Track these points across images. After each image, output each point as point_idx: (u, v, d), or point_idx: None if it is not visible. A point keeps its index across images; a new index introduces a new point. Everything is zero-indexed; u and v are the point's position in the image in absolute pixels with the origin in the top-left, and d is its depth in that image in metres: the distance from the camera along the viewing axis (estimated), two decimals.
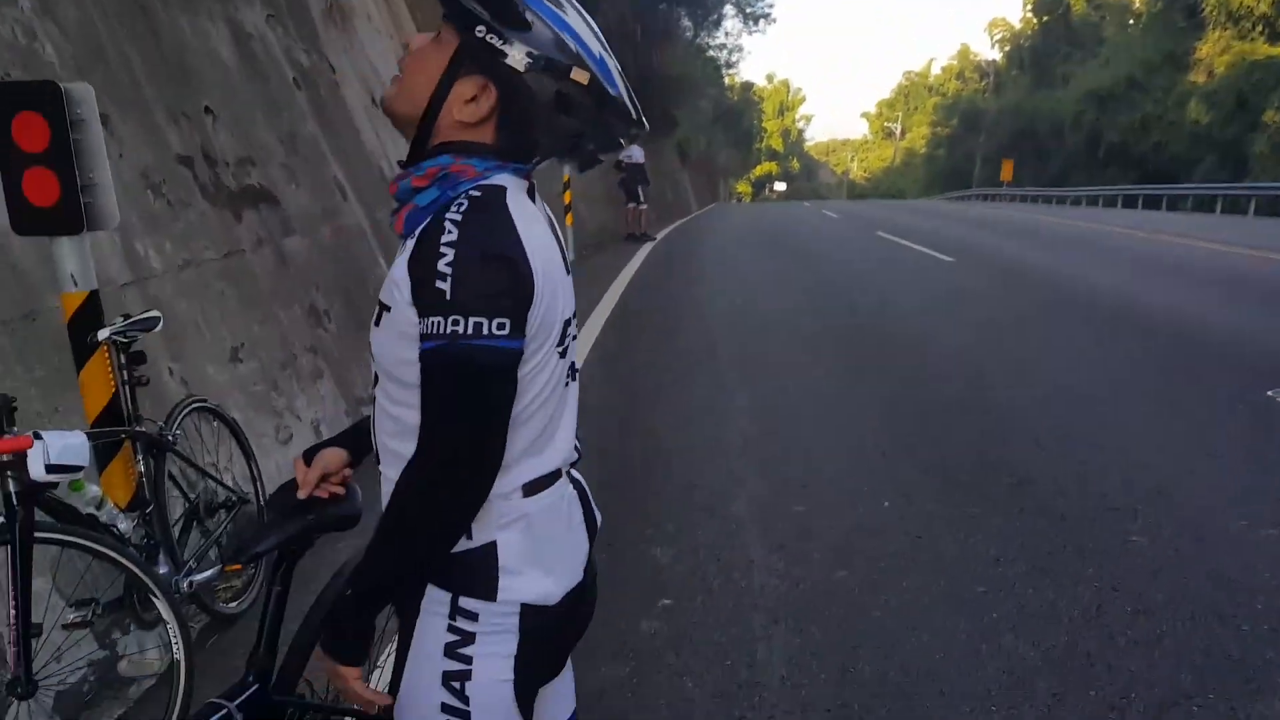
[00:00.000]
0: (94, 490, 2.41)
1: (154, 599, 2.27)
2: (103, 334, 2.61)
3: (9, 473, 2.01)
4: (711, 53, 38.02)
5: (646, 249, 14.87)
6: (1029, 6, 63.33)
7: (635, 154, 16.24)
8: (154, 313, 2.74)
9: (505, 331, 1.11)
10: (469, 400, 1.13)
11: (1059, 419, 5.04)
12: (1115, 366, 6.20)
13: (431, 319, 1.10)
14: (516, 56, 1.16)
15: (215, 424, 3.24)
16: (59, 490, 2.22)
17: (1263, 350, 6.54)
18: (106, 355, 2.65)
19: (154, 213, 3.89)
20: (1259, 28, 40.42)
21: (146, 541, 2.63)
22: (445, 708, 1.26)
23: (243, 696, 1.53)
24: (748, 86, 67.91)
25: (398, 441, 1.26)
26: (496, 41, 1.16)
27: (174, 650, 2.26)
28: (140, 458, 2.72)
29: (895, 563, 3.42)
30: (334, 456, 1.52)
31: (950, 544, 3.57)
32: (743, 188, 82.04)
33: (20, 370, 2.78)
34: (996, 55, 74.01)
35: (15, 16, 3.41)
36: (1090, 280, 10.42)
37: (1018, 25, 68.92)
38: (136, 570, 2.26)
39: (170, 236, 3.94)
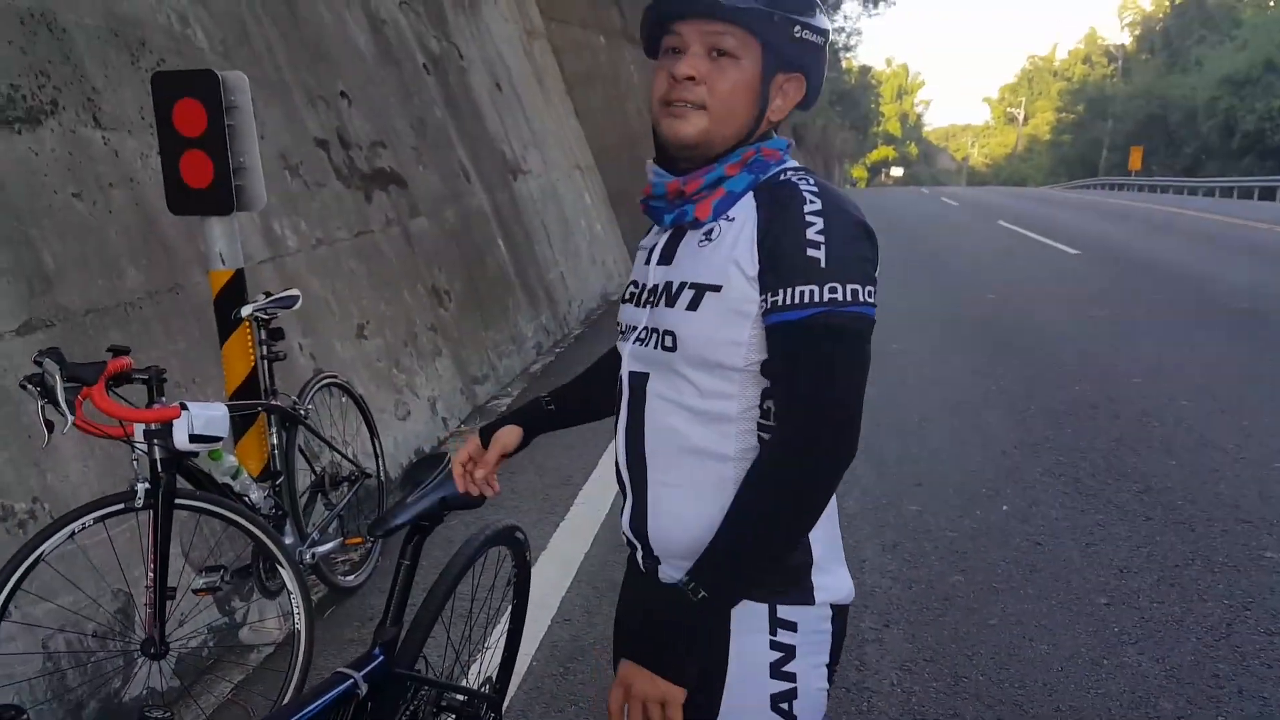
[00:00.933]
0: (231, 460, 2.48)
1: (279, 568, 2.32)
2: (246, 310, 2.69)
3: (155, 440, 2.07)
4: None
5: None
6: None
7: None
8: (294, 291, 2.81)
9: (872, 299, 1.11)
10: (851, 365, 1.11)
11: (1193, 425, 4.71)
12: (1257, 373, 5.76)
13: (801, 288, 1.09)
14: (819, 39, 1.21)
15: (343, 399, 3.31)
16: (199, 459, 2.29)
17: None
18: (248, 331, 2.72)
19: (291, 193, 4.00)
20: None
21: (275, 511, 2.70)
22: None
23: (368, 668, 1.53)
24: (866, 70, 66.26)
25: (703, 434, 1.19)
26: (810, 35, 1.19)
27: (295, 619, 2.29)
28: (274, 430, 2.79)
29: (1014, 569, 3.25)
30: (510, 436, 1.47)
31: (1073, 552, 3.38)
32: (858, 172, 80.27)
33: (164, 340, 2.89)
34: (1126, 38, 70.20)
35: (172, 5, 3.54)
36: (1227, 279, 9.74)
37: (1149, 7, 65.38)
38: (266, 540, 2.30)
39: (306, 216, 4.05)
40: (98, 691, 2.27)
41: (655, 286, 1.24)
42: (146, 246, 2.97)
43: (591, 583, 3.16)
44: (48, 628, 2.17)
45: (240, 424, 2.76)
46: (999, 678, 2.60)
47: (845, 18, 35.45)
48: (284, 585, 2.32)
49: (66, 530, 1.96)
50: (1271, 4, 53.16)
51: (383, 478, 3.41)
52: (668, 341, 1.20)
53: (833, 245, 1.10)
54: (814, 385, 1.10)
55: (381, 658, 1.56)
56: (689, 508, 1.20)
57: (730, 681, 1.17)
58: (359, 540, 3.00)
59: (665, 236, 1.27)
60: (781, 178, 1.19)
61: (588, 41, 11.96)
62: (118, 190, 2.93)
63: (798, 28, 1.17)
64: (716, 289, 1.16)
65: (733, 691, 1.18)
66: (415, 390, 4.45)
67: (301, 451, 2.96)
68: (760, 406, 1.17)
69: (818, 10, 1.20)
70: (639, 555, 1.31)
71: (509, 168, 7.15)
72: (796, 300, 1.09)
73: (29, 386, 1.93)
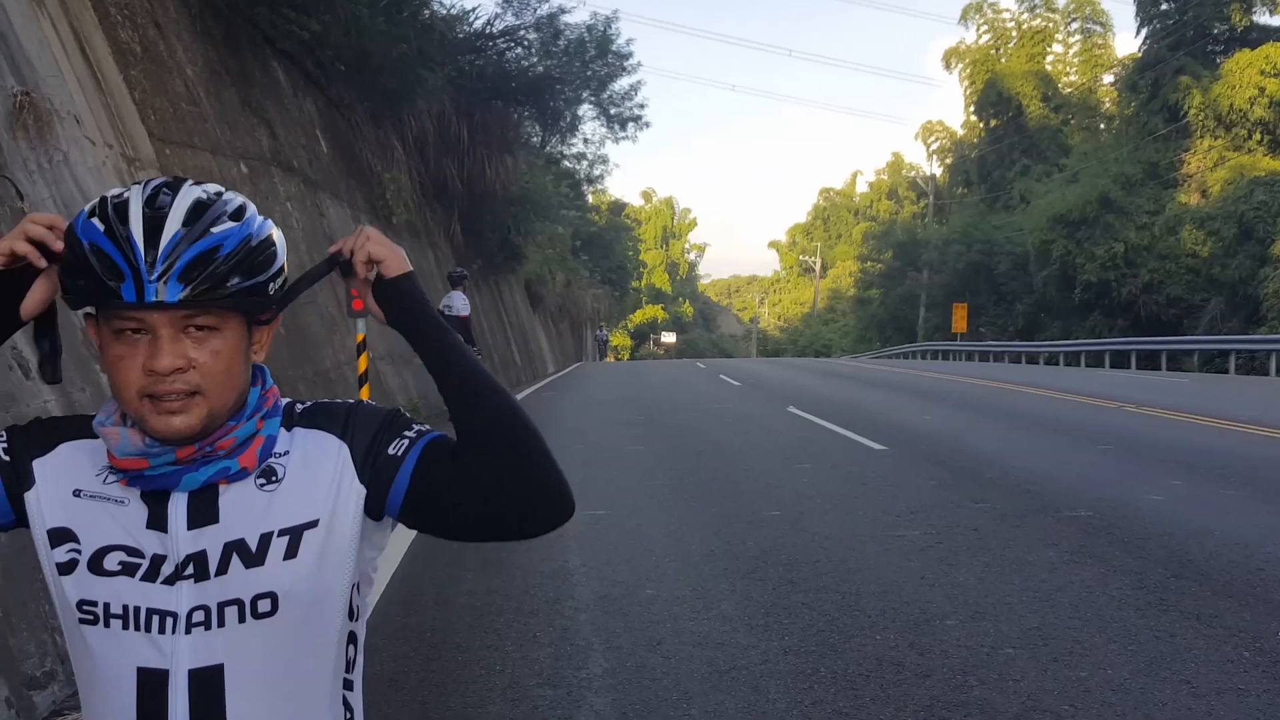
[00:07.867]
0: None
1: None
2: None
3: None
4: (567, 163, 38.74)
5: None
6: (971, 107, 67.23)
7: (456, 303, 15.93)
8: None
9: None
10: None
11: (1021, 682, 5.13)
12: (1098, 605, 6.39)
13: (406, 432, 1.57)
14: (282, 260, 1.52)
15: None
16: None
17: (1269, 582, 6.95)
18: None
19: None
20: (1256, 135, 41.82)
21: None
22: None
23: None
24: (619, 207, 70.15)
25: (298, 688, 1.50)
26: (280, 276, 1.51)
27: None
28: None
29: None
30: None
31: None
32: (619, 339, 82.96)
33: None
34: (936, 168, 77.62)
35: None
36: (1066, 478, 10.96)
37: (960, 131, 72.95)
38: None
39: None
40: None
41: (196, 555, 1.44)
42: None
43: None
44: None
45: None
46: None
47: (586, 141, 36.75)
48: None
49: None
50: (1103, 127, 59.88)
51: None
52: (262, 607, 1.44)
53: (379, 406, 1.63)
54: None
55: None
56: None
57: None
58: None
59: (184, 499, 1.46)
60: (299, 408, 1.60)
61: (221, 171, 12.07)
62: None
63: (271, 285, 1.48)
64: (313, 524, 1.47)
65: None
66: None
67: None
68: (351, 631, 1.56)
69: (278, 250, 1.50)
70: None
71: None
72: (413, 436, 1.56)
73: None
